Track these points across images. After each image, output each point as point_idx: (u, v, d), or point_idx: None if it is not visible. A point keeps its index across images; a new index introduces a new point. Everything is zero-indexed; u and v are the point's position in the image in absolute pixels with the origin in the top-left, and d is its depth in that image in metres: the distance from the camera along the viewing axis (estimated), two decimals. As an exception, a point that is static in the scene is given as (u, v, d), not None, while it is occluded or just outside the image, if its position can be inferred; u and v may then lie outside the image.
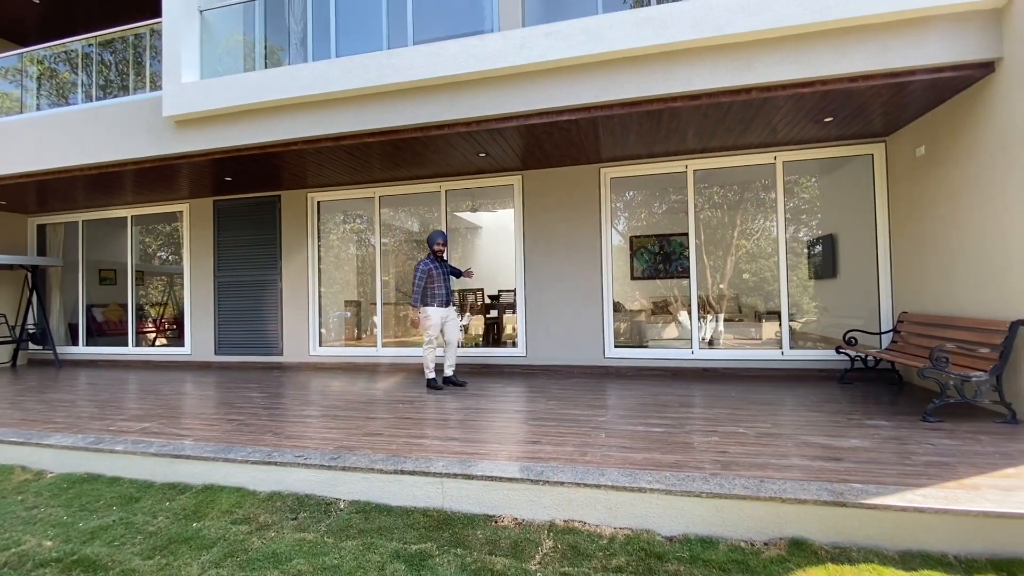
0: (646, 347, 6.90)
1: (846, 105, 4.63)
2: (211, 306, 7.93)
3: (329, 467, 3.15)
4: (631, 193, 7.73)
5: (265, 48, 6.22)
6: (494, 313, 8.01)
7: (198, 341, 8.02)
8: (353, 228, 8.66)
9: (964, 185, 4.43)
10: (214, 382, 6.50)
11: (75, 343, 8.89)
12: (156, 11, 6.01)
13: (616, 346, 6.49)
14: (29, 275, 8.57)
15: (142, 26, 6.43)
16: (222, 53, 6.08)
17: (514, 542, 2.57)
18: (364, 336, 8.36)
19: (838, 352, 5.39)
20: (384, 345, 7.41)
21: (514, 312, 6.98)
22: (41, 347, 8.62)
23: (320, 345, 7.60)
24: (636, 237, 7.20)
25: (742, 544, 2.49)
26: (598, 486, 2.72)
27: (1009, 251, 3.93)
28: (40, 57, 7.27)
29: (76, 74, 7.13)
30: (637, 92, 4.50)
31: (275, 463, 3.26)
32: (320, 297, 7.66)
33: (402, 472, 3.02)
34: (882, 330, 5.56)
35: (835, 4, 4.00)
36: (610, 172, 6.51)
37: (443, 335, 5.55)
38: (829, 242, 6.53)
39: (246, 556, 2.54)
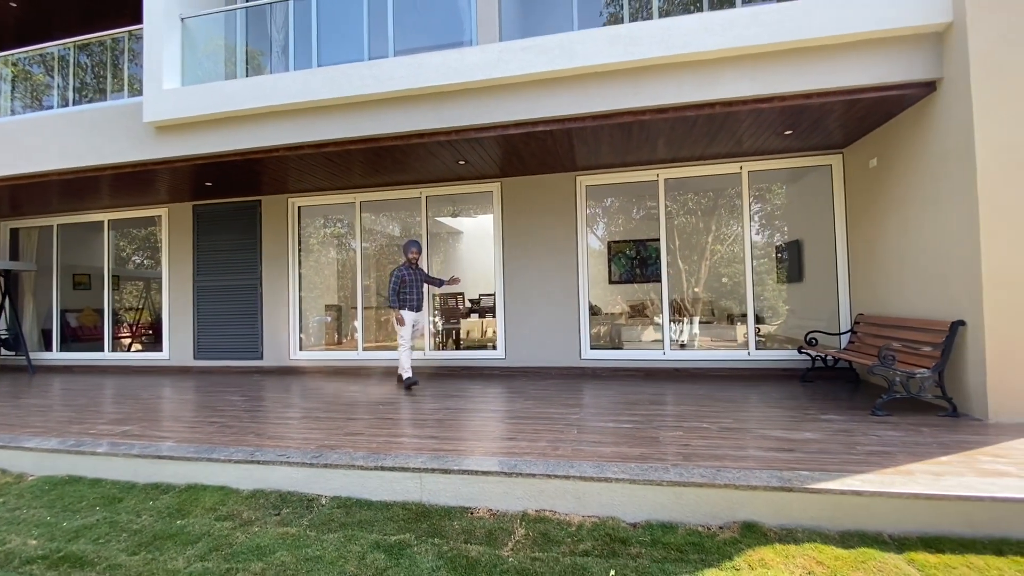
0: (621, 348, 7.12)
1: (804, 119, 4.93)
2: (190, 310, 7.92)
3: (311, 464, 3.27)
4: (610, 199, 7.97)
5: (247, 54, 6.30)
6: (474, 317, 8.16)
7: (177, 345, 7.99)
8: (334, 232, 8.74)
9: (910, 195, 4.76)
10: (194, 386, 6.51)
11: (49, 349, 8.76)
12: (135, 14, 6.05)
13: (592, 348, 6.70)
14: (2, 280, 8.41)
15: (122, 32, 6.45)
16: (203, 58, 6.14)
17: (489, 531, 2.73)
18: (345, 340, 8.43)
19: (800, 352, 5.69)
20: (365, 349, 7.50)
21: (494, 316, 7.15)
22: (14, 353, 8.47)
23: (301, 349, 7.65)
24: (614, 242, 7.43)
25: (699, 528, 2.69)
26: (568, 477, 2.90)
27: (950, 256, 4.25)
28: (15, 59, 7.21)
29: (52, 77, 7.09)
30: (609, 105, 4.73)
31: (258, 462, 3.36)
32: (301, 301, 7.72)
33: (382, 468, 3.15)
34: (841, 331, 5.88)
35: (791, 26, 4.29)
36: (586, 180, 6.74)
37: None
38: (795, 248, 6.86)
39: (231, 550, 2.64)
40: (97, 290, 8.70)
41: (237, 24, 6.20)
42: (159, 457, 3.55)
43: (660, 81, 4.62)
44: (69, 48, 6.81)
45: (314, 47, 5.79)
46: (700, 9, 5.11)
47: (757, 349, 6.25)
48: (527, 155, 5.93)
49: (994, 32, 3.93)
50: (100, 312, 8.63)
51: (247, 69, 6.32)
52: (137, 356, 8.65)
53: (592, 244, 7.25)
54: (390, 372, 7.05)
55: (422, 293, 5.99)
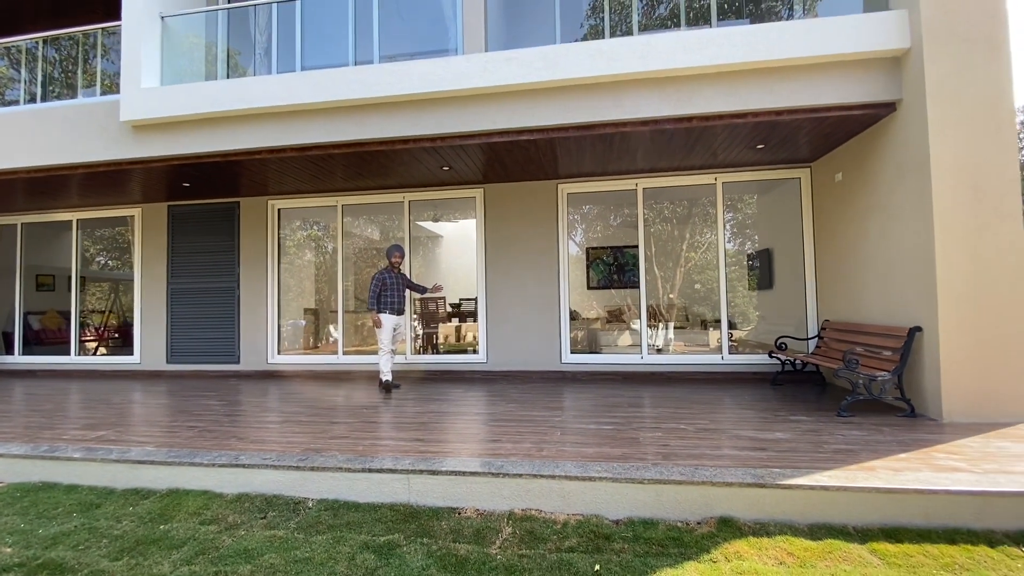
0: (600, 353, 7.28)
1: (775, 135, 5.18)
2: (163, 313, 7.73)
3: (298, 468, 3.27)
4: (588, 206, 8.14)
5: (228, 55, 6.24)
6: (455, 321, 8.21)
7: (148, 349, 7.78)
8: (311, 235, 8.66)
9: (872, 208, 5.05)
10: (167, 391, 6.37)
11: (10, 352, 8.41)
12: (108, 10, 5.93)
13: (572, 352, 6.83)
14: (-41, 280, 8.08)
15: (96, 28, 6.30)
16: (183, 58, 6.05)
17: (476, 530, 2.80)
18: (324, 343, 8.36)
19: (771, 356, 5.93)
20: (346, 353, 7.46)
21: (475, 320, 7.21)
22: (-29, 357, 8.12)
23: (279, 353, 7.55)
24: (592, 248, 7.59)
25: (679, 524, 2.81)
26: (553, 477, 2.99)
27: (907, 267, 4.53)
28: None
29: (17, 71, 6.87)
30: (591, 117, 4.88)
31: (243, 465, 3.35)
32: (280, 304, 7.63)
33: (370, 470, 3.19)
34: (809, 336, 6.16)
35: (762, 46, 4.53)
36: (567, 188, 6.89)
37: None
38: (766, 256, 7.15)
39: (217, 553, 2.64)
40: (61, 292, 8.41)
41: (219, 24, 6.14)
42: (139, 462, 3.50)
43: (641, 95, 4.80)
44: (37, 43, 6.61)
45: (298, 50, 5.78)
46: (678, 25, 5.31)
47: (730, 354, 6.48)
48: (510, 163, 6.04)
49: (948, 59, 4.23)
50: (65, 314, 8.34)
51: (228, 69, 6.26)
52: (105, 360, 8.38)
53: (571, 250, 7.39)
54: (371, 376, 7.03)
55: (403, 297, 6.04)
